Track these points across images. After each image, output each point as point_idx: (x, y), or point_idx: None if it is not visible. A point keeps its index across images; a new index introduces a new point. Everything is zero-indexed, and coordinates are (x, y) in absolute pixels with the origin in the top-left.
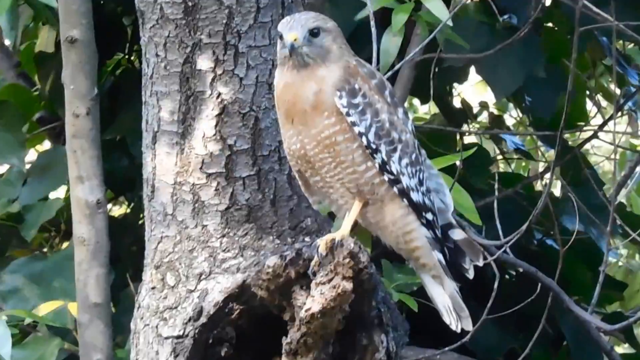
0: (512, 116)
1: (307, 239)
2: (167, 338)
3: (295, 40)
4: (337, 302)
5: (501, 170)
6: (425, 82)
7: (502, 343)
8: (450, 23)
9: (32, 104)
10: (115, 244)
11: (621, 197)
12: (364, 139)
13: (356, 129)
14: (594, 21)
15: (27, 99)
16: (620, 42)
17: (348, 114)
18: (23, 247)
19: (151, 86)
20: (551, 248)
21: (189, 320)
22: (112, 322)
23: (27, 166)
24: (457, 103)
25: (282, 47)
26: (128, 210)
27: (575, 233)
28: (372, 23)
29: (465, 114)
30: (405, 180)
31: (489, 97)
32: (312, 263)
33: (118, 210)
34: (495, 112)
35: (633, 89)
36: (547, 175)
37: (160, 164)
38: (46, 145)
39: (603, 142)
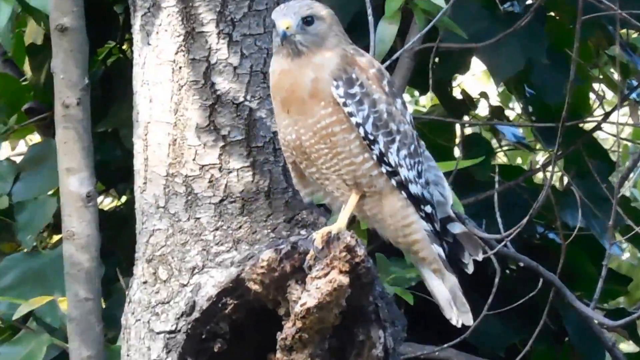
0: (513, 110)
1: (302, 232)
2: (159, 333)
3: (287, 28)
4: (333, 297)
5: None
6: (425, 73)
7: (504, 338)
8: (447, 10)
9: (21, 94)
10: (106, 237)
11: (625, 191)
12: (361, 130)
13: (353, 120)
14: (598, 10)
15: (16, 89)
16: (624, 31)
17: (345, 104)
18: (11, 240)
19: (143, 75)
20: (554, 242)
21: (182, 315)
22: (103, 317)
23: (18, 159)
24: (458, 94)
25: (276, 35)
26: (119, 202)
27: (577, 227)
28: (369, 11)
29: (466, 105)
30: (403, 172)
31: (491, 88)
32: (308, 257)
33: (110, 203)
34: (497, 102)
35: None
36: (550, 168)
37: (152, 155)
38: (36, 137)
39: (607, 134)
